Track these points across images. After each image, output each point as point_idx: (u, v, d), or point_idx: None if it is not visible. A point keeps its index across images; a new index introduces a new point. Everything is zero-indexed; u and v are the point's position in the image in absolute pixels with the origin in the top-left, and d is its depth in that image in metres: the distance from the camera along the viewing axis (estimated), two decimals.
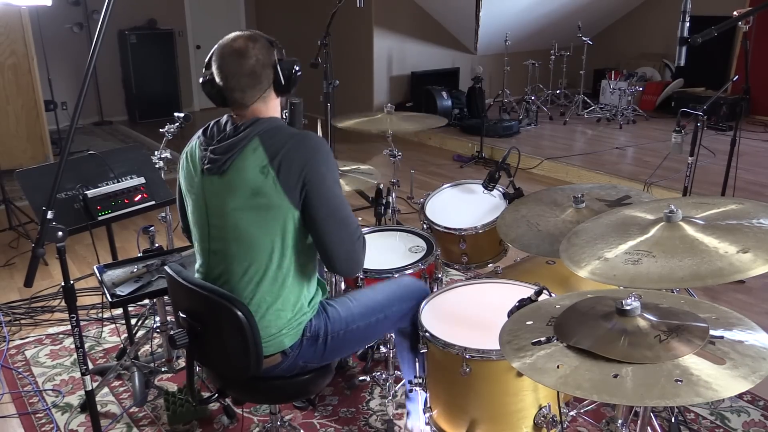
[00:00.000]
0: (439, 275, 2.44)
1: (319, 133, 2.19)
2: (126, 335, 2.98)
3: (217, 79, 1.74)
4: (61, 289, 1.84)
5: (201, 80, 1.78)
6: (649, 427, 1.84)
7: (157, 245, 2.70)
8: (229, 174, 1.71)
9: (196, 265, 1.90)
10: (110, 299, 2.31)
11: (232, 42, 1.72)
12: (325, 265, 1.82)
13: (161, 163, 2.84)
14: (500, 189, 2.71)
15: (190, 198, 1.85)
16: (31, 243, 4.14)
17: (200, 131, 1.83)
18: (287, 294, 1.77)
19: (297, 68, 1.78)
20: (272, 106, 1.80)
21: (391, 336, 2.30)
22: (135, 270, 2.47)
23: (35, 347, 3.09)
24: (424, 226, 2.72)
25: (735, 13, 2.91)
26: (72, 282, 1.81)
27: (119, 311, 3.16)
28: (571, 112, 7.67)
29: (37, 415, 2.59)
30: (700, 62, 6.68)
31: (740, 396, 2.59)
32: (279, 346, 1.78)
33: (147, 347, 2.99)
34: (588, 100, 7.68)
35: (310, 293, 1.84)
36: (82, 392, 2.69)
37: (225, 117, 1.80)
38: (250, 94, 1.73)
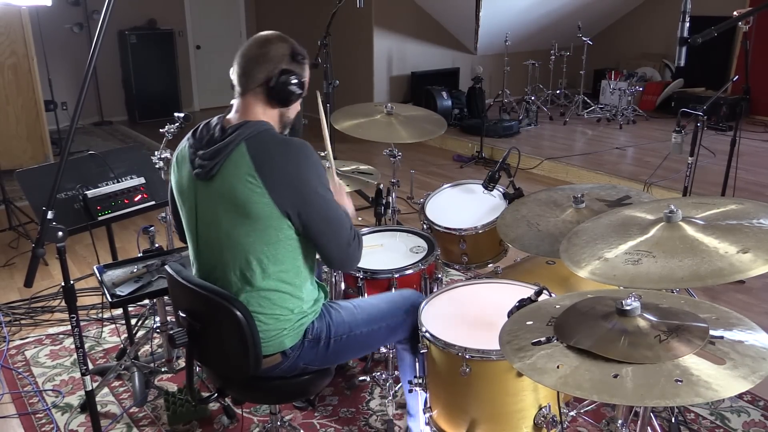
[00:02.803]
0: (439, 275, 2.44)
1: (319, 103, 2.15)
2: (126, 335, 2.98)
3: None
4: (61, 289, 1.85)
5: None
6: (649, 427, 1.85)
7: (157, 245, 2.70)
8: (217, 181, 1.70)
9: (193, 270, 1.89)
10: (110, 299, 2.31)
11: (267, 32, 1.77)
12: (324, 263, 1.84)
13: (161, 163, 2.84)
14: (500, 189, 2.71)
15: (181, 204, 1.84)
16: (31, 243, 4.14)
17: (190, 133, 1.82)
18: (284, 297, 1.77)
19: (293, 83, 1.74)
20: (262, 109, 1.77)
21: None
22: (135, 270, 2.47)
23: (35, 347, 3.08)
24: (424, 226, 2.72)
25: (735, 13, 2.91)
26: (72, 282, 1.82)
27: (119, 311, 3.16)
28: (571, 112, 7.66)
29: (37, 416, 2.59)
30: (700, 62, 6.68)
31: (740, 396, 2.59)
32: (279, 346, 1.78)
33: (147, 347, 2.99)
34: (588, 100, 7.68)
35: (308, 295, 1.84)
36: (82, 392, 2.69)
37: (215, 119, 1.79)
38: (249, 80, 1.73)
